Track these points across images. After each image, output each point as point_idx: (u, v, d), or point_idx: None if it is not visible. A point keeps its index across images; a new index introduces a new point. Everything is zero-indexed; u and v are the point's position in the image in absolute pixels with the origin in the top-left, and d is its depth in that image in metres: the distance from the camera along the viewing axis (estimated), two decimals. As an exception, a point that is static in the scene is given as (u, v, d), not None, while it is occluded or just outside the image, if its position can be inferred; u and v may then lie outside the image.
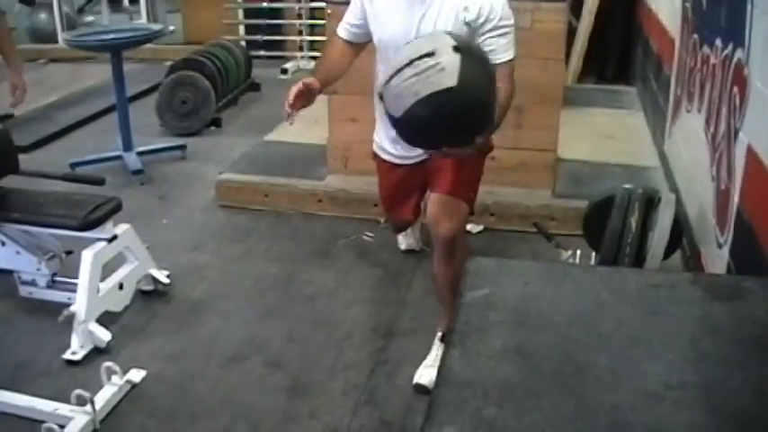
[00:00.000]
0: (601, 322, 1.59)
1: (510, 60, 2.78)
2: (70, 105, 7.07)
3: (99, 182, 3.66)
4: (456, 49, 2.34)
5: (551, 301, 1.67)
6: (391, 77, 2.38)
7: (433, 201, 2.96)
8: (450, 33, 2.52)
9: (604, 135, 5.50)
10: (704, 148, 3.43)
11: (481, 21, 2.71)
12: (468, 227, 4.15)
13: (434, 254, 3.02)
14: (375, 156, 3.21)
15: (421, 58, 2.32)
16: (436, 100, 2.29)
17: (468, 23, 2.72)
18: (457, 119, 2.37)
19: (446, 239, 2.91)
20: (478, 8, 2.70)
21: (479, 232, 4.25)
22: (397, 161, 3.09)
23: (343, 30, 3.00)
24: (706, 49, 3.59)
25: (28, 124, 6.29)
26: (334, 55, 3.03)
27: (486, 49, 2.71)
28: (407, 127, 2.47)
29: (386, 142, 3.09)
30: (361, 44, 3.00)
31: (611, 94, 6.80)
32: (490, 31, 2.72)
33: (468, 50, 2.43)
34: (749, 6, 2.83)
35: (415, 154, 3.01)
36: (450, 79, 2.29)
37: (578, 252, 3.43)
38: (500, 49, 2.74)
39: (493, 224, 4.28)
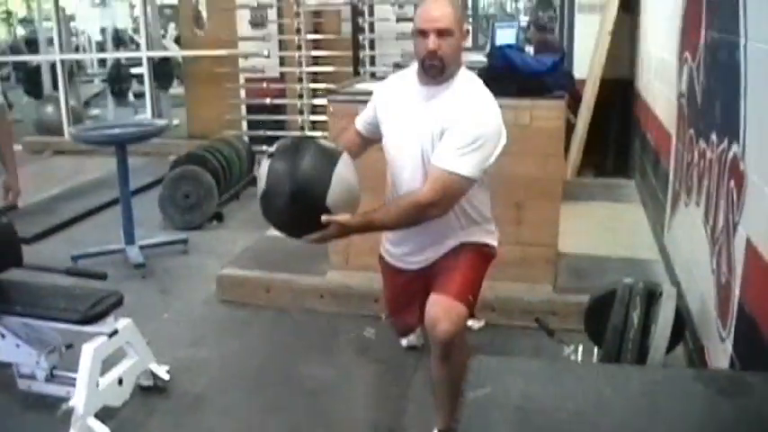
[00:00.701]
0: (604, 420, 1.58)
1: (455, 174, 2.68)
2: (74, 198, 7.15)
3: (101, 277, 3.66)
4: (269, 155, 2.67)
5: (554, 399, 1.65)
6: None
7: (432, 302, 2.91)
8: (283, 140, 2.80)
9: (604, 228, 5.53)
10: (704, 241, 3.44)
11: (450, 123, 2.72)
12: (470, 323, 4.13)
13: (431, 355, 3.01)
14: (381, 258, 3.24)
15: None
16: (262, 206, 2.70)
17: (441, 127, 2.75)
18: (282, 216, 2.70)
19: (443, 342, 2.85)
20: (455, 111, 2.73)
21: (481, 328, 4.22)
22: (401, 265, 3.11)
23: (359, 121, 3.10)
24: (702, 144, 3.64)
25: (32, 216, 6.36)
26: (345, 140, 3.09)
27: (438, 148, 2.73)
28: None
29: (389, 244, 3.12)
30: (371, 140, 3.08)
31: (610, 187, 6.86)
32: (450, 133, 2.70)
33: (280, 151, 2.69)
34: (743, 102, 2.89)
35: (418, 259, 3.04)
36: (261, 185, 2.67)
37: (580, 347, 3.41)
38: (449, 155, 2.68)
39: (495, 320, 4.26)
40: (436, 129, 2.74)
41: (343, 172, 2.69)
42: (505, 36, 6.65)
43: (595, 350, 3.37)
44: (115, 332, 3.36)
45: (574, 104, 6.67)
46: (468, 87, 2.81)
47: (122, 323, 3.43)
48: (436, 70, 2.75)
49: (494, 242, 3.08)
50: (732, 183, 2.99)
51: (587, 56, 7.22)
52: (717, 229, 3.20)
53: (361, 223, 2.74)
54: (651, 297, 3.11)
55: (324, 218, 2.64)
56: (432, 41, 2.71)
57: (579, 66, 7.35)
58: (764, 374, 1.81)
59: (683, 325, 3.25)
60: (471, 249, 2.99)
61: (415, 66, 2.88)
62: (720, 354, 3.00)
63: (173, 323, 4.48)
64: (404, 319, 3.31)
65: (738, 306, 2.79)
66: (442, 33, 2.71)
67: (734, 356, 2.81)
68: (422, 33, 2.74)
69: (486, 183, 2.91)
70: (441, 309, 2.86)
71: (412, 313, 3.17)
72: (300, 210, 2.64)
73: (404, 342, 4.02)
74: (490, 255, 3.08)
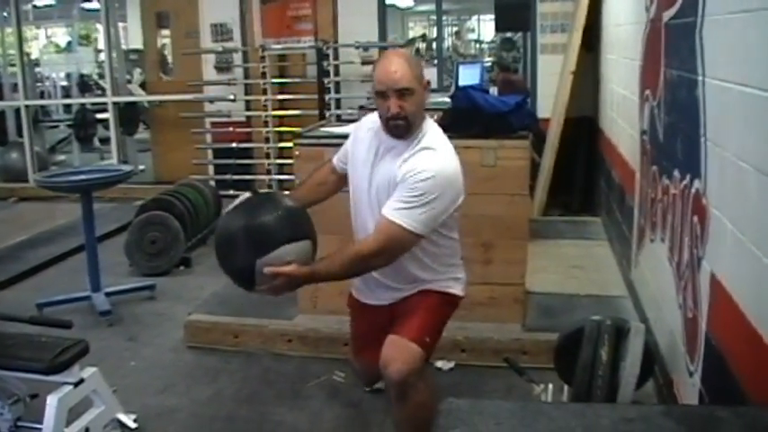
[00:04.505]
0: (575, 460, 1.57)
1: (397, 226, 2.68)
2: (39, 244, 7.06)
3: (65, 325, 3.60)
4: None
5: (525, 439, 1.65)
6: None
7: (387, 342, 2.90)
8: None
9: (572, 266, 5.56)
10: (669, 276, 3.47)
11: (403, 175, 2.72)
12: (439, 364, 4.14)
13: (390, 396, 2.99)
14: (350, 295, 3.26)
15: None
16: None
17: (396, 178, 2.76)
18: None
19: (395, 381, 2.83)
20: (410, 164, 2.73)
21: (451, 369, 4.20)
22: (371, 301, 3.12)
23: (336, 158, 3.15)
24: (665, 180, 3.69)
25: (-4, 263, 6.27)
26: (318, 176, 3.18)
27: (389, 199, 2.74)
28: None
29: (359, 281, 3.12)
30: (344, 177, 3.10)
31: (576, 225, 6.91)
32: (401, 186, 2.71)
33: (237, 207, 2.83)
34: (703, 139, 2.94)
35: (385, 296, 3.06)
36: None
37: (550, 386, 3.40)
38: (395, 206, 2.69)
39: (465, 360, 4.24)
40: (392, 180, 2.76)
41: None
42: (469, 76, 6.71)
43: (566, 388, 3.37)
44: (81, 381, 3.31)
45: (538, 144, 6.73)
46: (430, 142, 2.79)
47: (88, 372, 3.38)
48: (401, 130, 2.75)
49: (457, 290, 3.08)
50: (695, 218, 3.02)
51: (551, 95, 7.32)
52: (682, 264, 3.23)
53: (306, 274, 2.73)
54: (619, 334, 3.12)
55: (268, 269, 2.63)
56: (393, 104, 2.69)
57: (543, 105, 7.46)
58: (733, 409, 1.82)
59: (652, 360, 3.27)
60: (434, 293, 3.00)
61: None
62: (689, 388, 3.02)
63: (140, 371, 4.41)
64: (366, 360, 3.22)
65: (705, 340, 2.81)
66: (402, 94, 2.69)
67: (702, 390, 2.83)
68: (381, 95, 2.73)
69: (447, 231, 2.93)
70: (394, 348, 2.85)
71: (374, 353, 3.06)
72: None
73: (367, 386, 3.97)
74: (453, 302, 3.09)
